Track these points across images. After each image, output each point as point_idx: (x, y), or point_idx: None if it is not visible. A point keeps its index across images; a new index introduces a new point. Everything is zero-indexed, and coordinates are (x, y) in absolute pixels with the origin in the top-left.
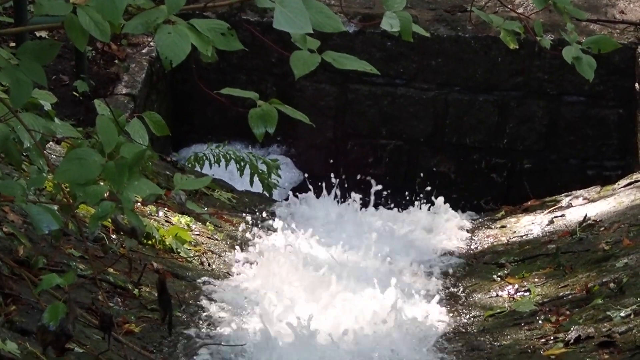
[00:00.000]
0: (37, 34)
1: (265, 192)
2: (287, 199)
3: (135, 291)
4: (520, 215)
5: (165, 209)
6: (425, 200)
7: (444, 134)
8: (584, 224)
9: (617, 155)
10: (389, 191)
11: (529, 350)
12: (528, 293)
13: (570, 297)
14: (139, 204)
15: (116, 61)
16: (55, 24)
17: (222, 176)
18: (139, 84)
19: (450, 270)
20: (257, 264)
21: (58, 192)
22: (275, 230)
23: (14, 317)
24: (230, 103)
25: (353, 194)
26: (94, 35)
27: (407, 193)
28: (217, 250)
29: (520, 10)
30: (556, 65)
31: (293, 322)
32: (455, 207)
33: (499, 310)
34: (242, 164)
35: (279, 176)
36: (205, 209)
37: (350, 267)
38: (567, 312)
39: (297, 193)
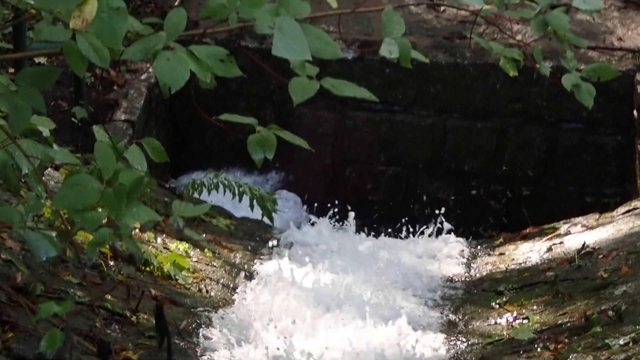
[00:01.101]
0: (36, 60)
1: (264, 219)
2: (286, 227)
3: (133, 318)
4: (518, 242)
5: (164, 235)
6: (423, 227)
7: (442, 161)
8: (583, 252)
9: (615, 182)
10: (387, 217)
11: None
12: (527, 321)
13: (569, 324)
14: (137, 230)
15: (115, 87)
16: (55, 50)
17: (220, 203)
18: (138, 110)
19: (449, 298)
20: (255, 291)
21: (56, 218)
22: (273, 258)
23: (11, 344)
24: (229, 129)
25: (351, 221)
26: (93, 61)
27: (405, 219)
28: (215, 277)
29: (519, 37)
30: (554, 92)
31: (290, 351)
32: (453, 234)
33: (497, 338)
34: (240, 190)
35: (275, 211)
36: (204, 235)
37: (348, 295)
38: (566, 340)
39: (295, 220)
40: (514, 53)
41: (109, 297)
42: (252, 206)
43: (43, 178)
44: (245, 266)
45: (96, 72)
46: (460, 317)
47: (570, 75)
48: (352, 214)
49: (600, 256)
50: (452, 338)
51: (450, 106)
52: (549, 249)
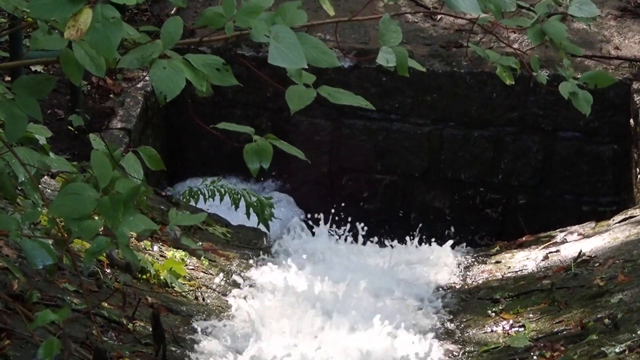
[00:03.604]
0: (33, 68)
1: (260, 226)
2: (282, 235)
3: (130, 326)
4: (515, 250)
5: (160, 243)
6: (420, 235)
7: (439, 169)
8: (579, 260)
9: (611, 191)
10: (384, 226)
11: None
12: (523, 328)
13: (565, 332)
14: (133, 238)
15: (111, 95)
16: (51, 59)
17: (216, 210)
18: (134, 119)
19: (445, 306)
20: (251, 299)
21: (53, 226)
22: (269, 266)
23: (8, 351)
24: (225, 137)
25: (347, 230)
26: (89, 70)
27: (402, 228)
28: (211, 285)
29: (516, 45)
30: (551, 101)
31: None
32: (449, 242)
33: (493, 346)
34: (237, 197)
35: (273, 215)
36: (200, 243)
37: (344, 303)
38: (562, 348)
39: (291, 228)
40: (510, 61)
41: (106, 304)
42: (248, 214)
43: (39, 186)
44: (242, 274)
45: (92, 80)
46: (456, 325)
47: (567, 83)
48: (348, 222)
49: (597, 264)
50: (448, 346)
51: (446, 115)
52: (545, 257)
